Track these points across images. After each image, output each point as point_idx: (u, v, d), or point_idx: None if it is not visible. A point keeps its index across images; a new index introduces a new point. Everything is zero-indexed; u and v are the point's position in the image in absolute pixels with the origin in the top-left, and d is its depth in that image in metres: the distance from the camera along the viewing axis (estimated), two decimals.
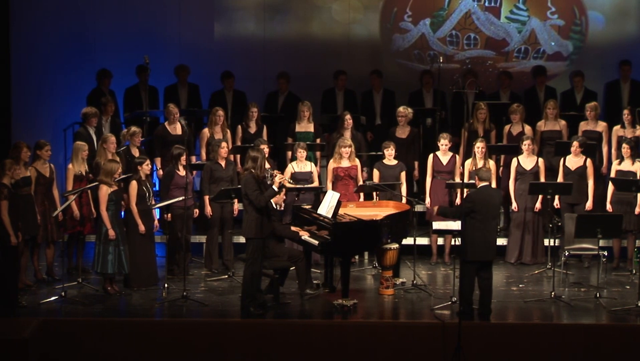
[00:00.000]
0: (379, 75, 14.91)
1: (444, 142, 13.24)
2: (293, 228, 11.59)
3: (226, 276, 12.52)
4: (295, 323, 10.57)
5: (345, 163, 13.01)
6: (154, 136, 13.70)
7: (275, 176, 10.68)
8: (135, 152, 13.01)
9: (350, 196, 12.90)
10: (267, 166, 11.17)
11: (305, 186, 12.76)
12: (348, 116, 13.76)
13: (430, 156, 13.33)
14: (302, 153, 13.06)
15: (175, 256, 12.45)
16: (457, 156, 13.40)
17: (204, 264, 13.06)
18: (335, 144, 13.13)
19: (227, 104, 14.89)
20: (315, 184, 13.06)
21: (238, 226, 11.99)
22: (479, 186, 10.62)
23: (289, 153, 13.86)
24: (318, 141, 13.99)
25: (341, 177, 13.07)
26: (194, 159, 13.74)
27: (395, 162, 13.23)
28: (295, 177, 12.79)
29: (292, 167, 13.12)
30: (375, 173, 13.23)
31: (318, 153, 14.11)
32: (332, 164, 13.11)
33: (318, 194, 12.84)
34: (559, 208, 13.09)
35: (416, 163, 14.09)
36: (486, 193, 10.47)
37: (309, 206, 12.16)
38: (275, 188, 10.63)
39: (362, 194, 13.03)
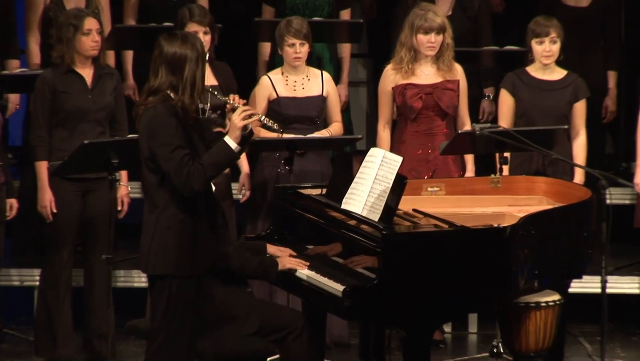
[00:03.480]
0: None
1: None
2: (272, 250, 8.95)
3: None
4: None
5: (426, 74, 10.75)
6: None
7: (234, 105, 8.30)
8: None
9: (436, 164, 10.69)
10: (211, 82, 10.02)
11: (309, 136, 10.62)
12: None
13: None
14: (298, 48, 10.77)
15: None
16: None
17: (35, 346, 10.75)
18: (404, 26, 10.57)
19: None
20: (336, 128, 10.81)
21: (128, 246, 11.23)
22: None
23: (266, 48, 11.85)
24: (344, 16, 12.02)
25: (416, 111, 10.58)
26: (14, 64, 11.74)
27: (561, 74, 10.91)
28: (281, 109, 10.61)
29: (272, 83, 10.89)
30: (506, 101, 10.73)
31: (346, 50, 11.97)
32: (390, 75, 10.73)
33: (349, 159, 11.26)
34: None
35: (611, 78, 11.93)
36: None
37: (319, 192, 9.44)
38: (231, 140, 8.27)
39: (469, 159, 10.72)
